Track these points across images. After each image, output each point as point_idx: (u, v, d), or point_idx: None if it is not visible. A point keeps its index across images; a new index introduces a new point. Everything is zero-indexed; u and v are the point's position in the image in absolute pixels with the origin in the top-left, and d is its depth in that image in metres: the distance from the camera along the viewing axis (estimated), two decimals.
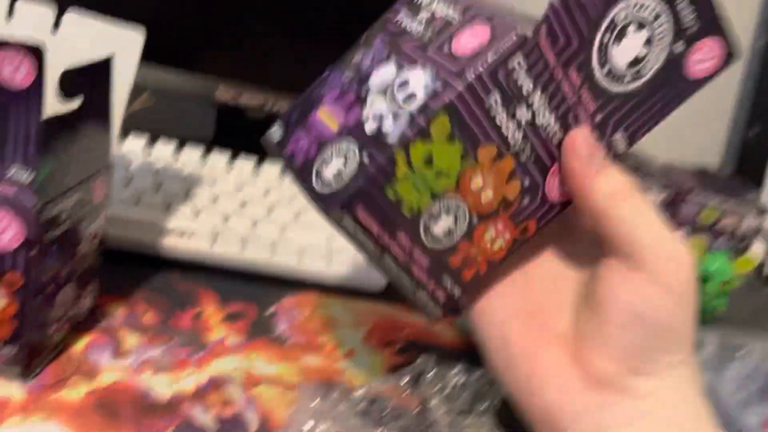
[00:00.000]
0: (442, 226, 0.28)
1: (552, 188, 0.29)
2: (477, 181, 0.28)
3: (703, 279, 0.67)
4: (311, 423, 0.36)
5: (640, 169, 0.71)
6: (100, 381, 0.38)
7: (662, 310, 0.28)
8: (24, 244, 0.32)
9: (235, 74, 0.65)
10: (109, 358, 0.39)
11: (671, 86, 0.29)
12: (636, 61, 0.28)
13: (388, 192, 0.26)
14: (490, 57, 0.26)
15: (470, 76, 0.26)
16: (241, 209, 0.53)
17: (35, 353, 0.36)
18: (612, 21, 0.27)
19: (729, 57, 0.30)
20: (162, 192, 0.52)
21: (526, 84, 0.27)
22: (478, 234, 0.29)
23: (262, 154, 0.60)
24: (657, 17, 0.27)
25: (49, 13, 0.39)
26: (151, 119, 0.65)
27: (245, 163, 0.59)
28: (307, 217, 0.54)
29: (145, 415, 0.36)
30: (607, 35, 0.27)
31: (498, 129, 0.27)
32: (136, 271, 0.48)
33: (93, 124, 0.36)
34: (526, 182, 0.29)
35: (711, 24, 0.29)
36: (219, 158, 0.59)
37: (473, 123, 0.26)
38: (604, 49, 0.27)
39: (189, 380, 0.39)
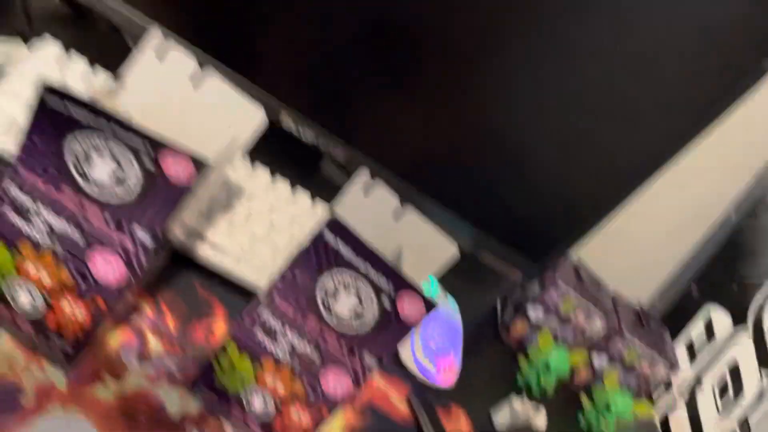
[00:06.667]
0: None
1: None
2: (279, 386, 0.44)
3: (606, 407, 0.79)
4: None
5: (590, 292, 0.81)
6: (126, 385, 0.44)
7: None
8: (122, 288, 0.38)
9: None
10: (136, 361, 0.46)
11: (393, 327, 0.40)
12: (358, 313, 0.40)
13: None
14: (245, 316, 0.42)
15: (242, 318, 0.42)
16: (268, 234, 0.59)
17: (82, 350, 0.42)
18: (324, 288, 0.40)
19: (429, 304, 0.39)
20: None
21: (277, 327, 0.42)
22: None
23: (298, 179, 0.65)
24: (356, 283, 0.39)
25: (192, 64, 0.43)
26: None
27: (284, 186, 0.64)
28: None
29: (159, 428, 0.43)
30: (326, 298, 0.40)
31: (277, 348, 0.42)
32: (165, 267, 0.54)
33: None
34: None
35: (400, 283, 0.39)
36: (262, 174, 0.64)
37: (253, 342, 0.42)
38: (328, 306, 0.40)
39: (195, 401, 0.47)
